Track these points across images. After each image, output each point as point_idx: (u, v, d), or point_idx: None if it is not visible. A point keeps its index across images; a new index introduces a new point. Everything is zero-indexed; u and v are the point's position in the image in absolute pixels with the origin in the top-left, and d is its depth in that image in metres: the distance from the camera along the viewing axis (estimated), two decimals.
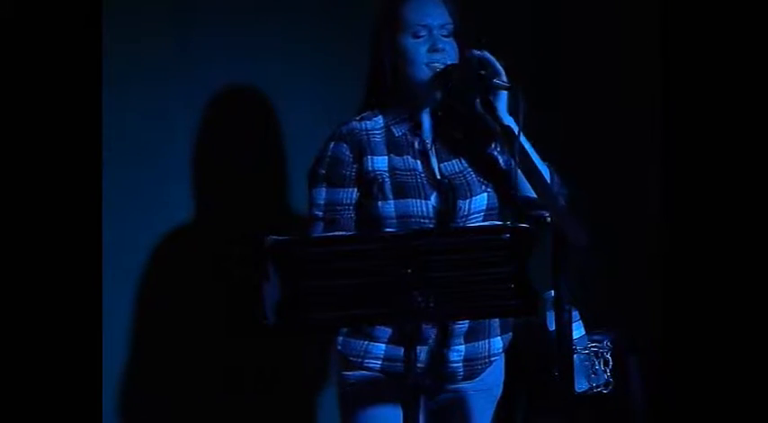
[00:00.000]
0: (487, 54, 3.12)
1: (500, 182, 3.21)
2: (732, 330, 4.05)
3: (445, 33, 3.19)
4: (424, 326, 3.15)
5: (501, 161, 3.24)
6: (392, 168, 3.19)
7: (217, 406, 3.86)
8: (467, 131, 3.26)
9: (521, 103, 3.01)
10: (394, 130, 3.23)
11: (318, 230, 3.18)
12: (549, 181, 3.14)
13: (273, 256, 2.71)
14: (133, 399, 3.78)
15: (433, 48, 3.17)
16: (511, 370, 3.40)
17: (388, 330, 3.17)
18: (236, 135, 3.91)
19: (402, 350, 3.10)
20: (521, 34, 4.28)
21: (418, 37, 3.19)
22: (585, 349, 3.39)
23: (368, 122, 3.23)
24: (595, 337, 3.43)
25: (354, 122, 3.23)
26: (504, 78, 3.10)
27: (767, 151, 4.01)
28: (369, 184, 3.18)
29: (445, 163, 3.23)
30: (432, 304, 2.72)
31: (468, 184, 3.20)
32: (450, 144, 3.25)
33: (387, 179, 3.17)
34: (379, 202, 3.16)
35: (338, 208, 3.19)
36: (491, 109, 3.12)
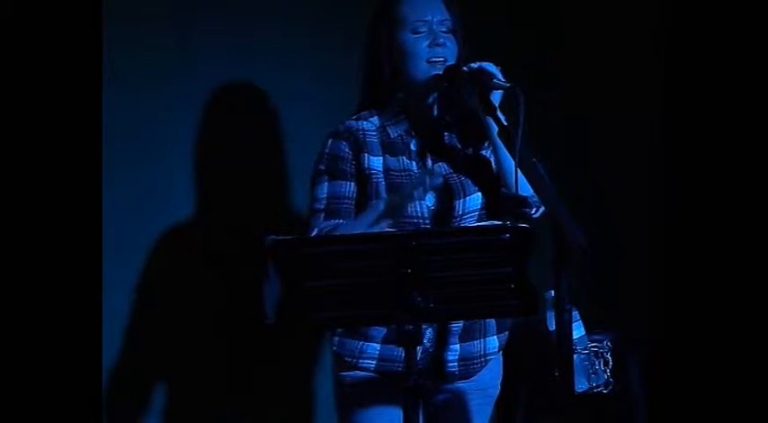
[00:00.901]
0: (484, 65, 3.11)
1: (491, 182, 3.21)
2: (732, 330, 4.05)
3: (444, 29, 3.19)
4: (421, 327, 3.15)
5: (492, 162, 3.24)
6: (387, 169, 3.19)
7: (216, 405, 3.86)
8: (462, 132, 3.26)
9: (521, 102, 3.00)
10: (390, 131, 3.22)
11: (319, 221, 3.17)
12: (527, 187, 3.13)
13: (273, 256, 2.71)
14: (133, 398, 3.78)
15: (434, 42, 3.17)
16: (511, 370, 3.40)
17: (383, 330, 3.17)
18: (236, 135, 3.91)
19: (397, 350, 3.13)
20: (521, 34, 4.28)
21: (418, 33, 3.18)
22: (585, 349, 3.38)
23: (364, 122, 3.22)
24: (595, 337, 3.43)
25: (351, 121, 3.23)
26: (501, 78, 3.10)
27: (767, 152, 4.01)
28: (364, 183, 3.19)
29: (440, 163, 3.23)
30: (432, 304, 2.72)
31: (462, 184, 3.21)
32: (444, 144, 3.25)
33: (381, 179, 3.18)
34: (374, 202, 3.17)
35: (339, 200, 3.19)
36: (491, 109, 3.11)
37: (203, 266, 3.84)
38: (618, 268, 4.31)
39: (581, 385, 3.30)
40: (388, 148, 3.21)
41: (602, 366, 3.37)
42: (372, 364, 3.20)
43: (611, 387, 3.36)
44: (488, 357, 3.26)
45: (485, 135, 3.19)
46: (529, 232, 2.73)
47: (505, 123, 3.08)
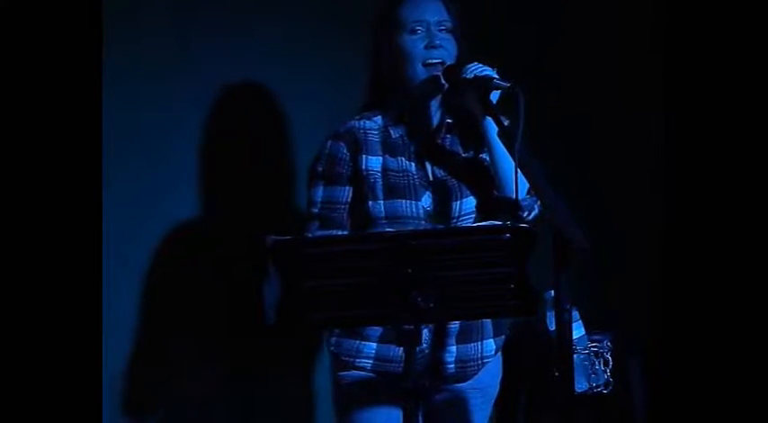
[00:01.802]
0: (480, 69, 3.11)
1: (487, 184, 3.21)
2: (732, 330, 4.04)
3: (442, 29, 3.19)
4: (417, 328, 3.16)
5: (488, 164, 3.24)
6: (385, 169, 3.20)
7: (216, 405, 3.86)
8: (464, 134, 3.26)
9: (520, 102, 3.01)
10: (391, 131, 3.23)
11: (314, 229, 3.20)
12: (524, 193, 3.14)
13: (273, 256, 2.71)
14: (133, 398, 3.78)
15: (430, 44, 3.17)
16: (511, 370, 3.40)
17: (380, 329, 3.18)
18: (236, 134, 3.91)
19: (394, 349, 3.14)
20: (521, 34, 4.29)
21: (415, 33, 3.18)
22: (585, 349, 3.39)
23: (367, 122, 3.23)
24: (595, 337, 3.44)
25: (354, 121, 3.24)
26: (500, 79, 3.10)
27: (767, 152, 4.01)
28: (361, 183, 3.19)
29: (438, 165, 3.23)
30: (432, 304, 2.72)
31: (459, 186, 3.21)
32: (443, 146, 3.25)
33: (379, 179, 3.18)
34: (370, 202, 3.18)
35: (334, 206, 3.20)
36: (491, 109, 3.12)
37: (203, 266, 3.84)
38: (618, 268, 4.31)
39: (581, 385, 3.31)
40: (389, 148, 3.22)
41: (602, 366, 3.37)
42: (369, 363, 3.21)
43: (611, 387, 3.37)
44: (485, 360, 3.26)
45: (482, 139, 3.19)
46: (529, 232, 2.73)
47: (505, 123, 3.08)
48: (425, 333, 3.19)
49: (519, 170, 2.92)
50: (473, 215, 3.21)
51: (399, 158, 3.21)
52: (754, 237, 4.03)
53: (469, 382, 3.26)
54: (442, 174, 3.21)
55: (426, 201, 3.19)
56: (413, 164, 3.21)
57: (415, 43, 3.18)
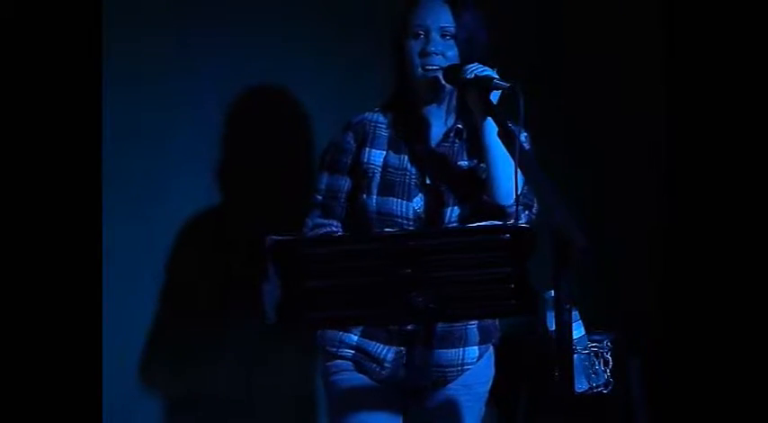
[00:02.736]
0: (480, 70, 3.11)
1: (478, 193, 3.22)
2: (732, 330, 4.05)
3: (446, 35, 3.18)
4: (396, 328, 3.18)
5: (486, 178, 3.24)
6: (386, 165, 3.22)
7: (216, 405, 3.86)
8: (472, 141, 3.26)
9: (521, 102, 3.00)
10: (399, 127, 3.25)
11: (315, 216, 3.25)
12: (520, 191, 3.14)
13: (273, 256, 2.71)
14: (133, 399, 3.78)
15: (424, 50, 3.18)
16: (511, 370, 3.40)
17: None
18: (236, 134, 3.91)
19: (372, 345, 3.19)
20: (521, 34, 4.28)
21: (417, 37, 3.19)
22: (585, 349, 3.38)
23: (380, 115, 3.27)
24: (595, 337, 3.43)
25: (368, 113, 3.28)
26: (500, 79, 3.10)
27: (767, 152, 4.01)
28: (361, 176, 3.21)
29: (435, 169, 3.24)
30: (432, 304, 2.72)
31: (453, 193, 3.21)
32: (446, 152, 3.25)
33: (377, 174, 3.21)
34: (364, 196, 3.20)
35: (335, 194, 3.25)
36: (491, 109, 3.11)
37: (204, 266, 3.84)
38: (618, 268, 4.31)
39: (581, 385, 3.30)
40: (394, 144, 3.24)
41: (602, 366, 3.37)
42: (350, 352, 3.23)
43: (611, 387, 3.36)
44: (465, 366, 3.26)
45: (482, 138, 3.20)
46: (529, 232, 2.73)
47: (509, 126, 3.08)
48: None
49: (519, 170, 2.92)
50: (463, 223, 3.21)
51: (402, 156, 3.22)
52: (755, 237, 4.03)
53: (455, 381, 3.26)
54: (438, 178, 3.22)
55: (418, 203, 3.20)
56: (413, 163, 3.22)
57: (415, 48, 3.19)
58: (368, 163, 3.22)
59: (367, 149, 3.23)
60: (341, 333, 3.25)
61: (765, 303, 4.03)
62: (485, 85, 3.10)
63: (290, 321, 2.77)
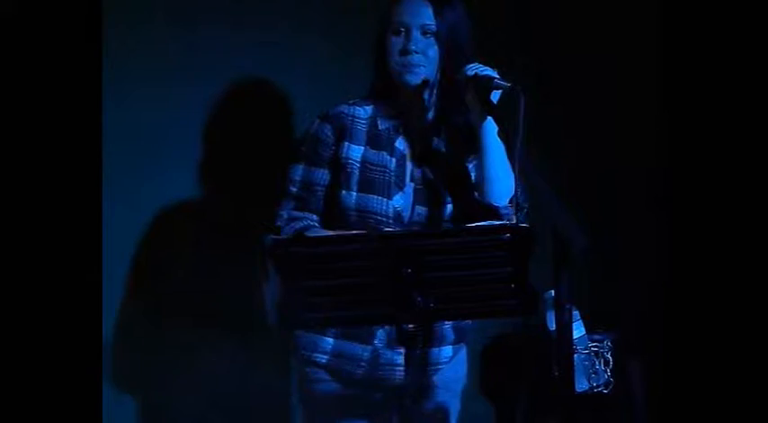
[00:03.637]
0: (481, 69, 3.11)
1: (466, 192, 3.22)
2: (733, 330, 4.05)
3: (426, 34, 3.18)
4: (372, 327, 3.17)
5: (473, 175, 3.24)
6: (365, 160, 3.20)
7: (216, 405, 3.86)
8: (450, 141, 3.26)
9: (521, 102, 3.01)
10: (379, 122, 3.24)
11: (289, 208, 3.22)
12: (513, 193, 3.14)
13: (273, 256, 2.71)
14: (134, 399, 3.78)
15: (404, 48, 3.18)
16: (511, 370, 3.41)
17: None
18: (236, 134, 3.90)
19: (350, 346, 3.19)
20: (522, 33, 4.28)
21: (397, 34, 3.20)
22: (586, 349, 3.38)
23: (358, 109, 3.24)
24: (596, 337, 3.43)
25: (344, 105, 3.26)
26: (500, 79, 3.10)
27: (767, 152, 4.01)
28: (338, 170, 3.19)
29: (418, 167, 3.23)
30: (432, 304, 2.72)
31: (433, 193, 3.21)
32: (427, 150, 3.25)
33: (356, 170, 3.19)
34: (344, 192, 3.19)
35: (312, 187, 3.22)
36: (491, 109, 3.11)
37: (204, 266, 3.83)
38: (618, 268, 4.30)
39: (581, 385, 3.30)
40: (373, 140, 3.22)
41: (602, 366, 3.37)
42: (324, 358, 3.21)
43: (611, 387, 3.36)
44: (439, 366, 3.27)
45: (471, 147, 3.20)
46: (529, 232, 2.73)
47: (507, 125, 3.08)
48: (381, 333, 3.20)
49: (519, 170, 2.92)
50: (448, 222, 3.21)
51: (381, 153, 3.22)
52: (755, 237, 4.03)
53: (432, 380, 3.26)
54: (419, 177, 3.22)
55: (398, 201, 3.19)
56: (393, 160, 3.21)
57: (395, 45, 3.20)
58: (347, 158, 3.20)
59: (346, 144, 3.21)
60: (317, 336, 3.22)
61: (766, 303, 4.03)
62: (485, 84, 3.10)
63: (290, 321, 2.77)
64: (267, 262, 2.71)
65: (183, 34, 3.82)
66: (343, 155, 3.20)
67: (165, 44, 3.79)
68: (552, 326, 2.89)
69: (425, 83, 3.19)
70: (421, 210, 3.20)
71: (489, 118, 3.13)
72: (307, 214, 3.21)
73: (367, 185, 3.18)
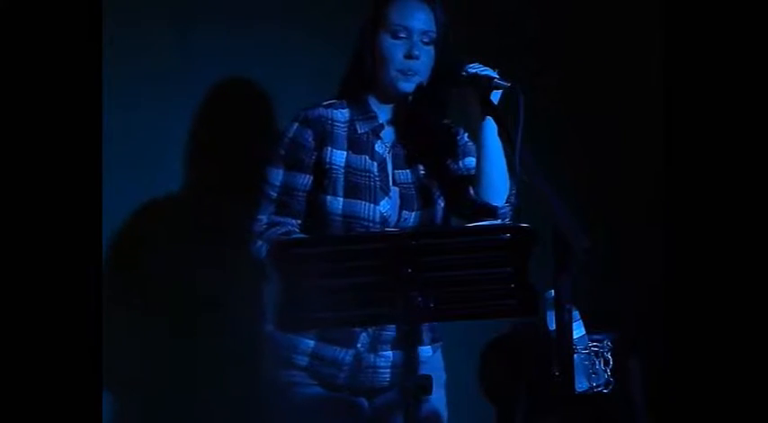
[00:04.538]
0: (481, 69, 3.11)
1: (454, 191, 3.21)
2: (734, 330, 4.04)
3: (426, 40, 3.18)
4: (354, 330, 3.15)
5: (456, 173, 3.23)
6: (348, 165, 3.19)
7: (217, 406, 3.86)
8: (429, 142, 3.25)
9: (520, 102, 3.01)
10: (358, 126, 3.22)
11: (269, 212, 3.18)
12: (509, 189, 3.14)
13: (273, 256, 2.71)
14: (134, 401, 3.78)
15: (409, 53, 3.16)
16: (511, 370, 3.41)
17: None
18: (236, 135, 3.91)
19: (331, 349, 3.16)
20: (521, 33, 4.28)
21: (397, 38, 3.18)
22: (586, 349, 3.39)
23: (335, 112, 3.22)
24: (596, 337, 3.43)
25: (321, 108, 3.22)
26: (500, 78, 3.11)
27: (767, 152, 4.01)
28: (322, 176, 3.17)
29: (400, 170, 3.23)
30: (432, 304, 2.72)
31: (418, 197, 3.20)
32: (408, 152, 3.24)
33: (341, 176, 3.17)
34: (329, 197, 3.16)
35: (294, 192, 3.18)
36: (491, 109, 3.12)
37: (204, 265, 3.84)
38: (618, 268, 4.30)
39: (581, 385, 3.30)
40: (353, 144, 3.21)
41: (602, 366, 3.37)
42: (304, 360, 3.19)
43: (611, 387, 3.36)
44: (422, 361, 3.25)
45: (452, 147, 3.19)
46: (529, 232, 2.73)
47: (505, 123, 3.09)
48: (363, 336, 3.18)
49: (519, 169, 2.93)
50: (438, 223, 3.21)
51: (363, 157, 3.20)
52: (755, 237, 4.03)
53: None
54: (402, 180, 3.21)
55: (384, 206, 3.18)
56: (375, 164, 3.20)
57: (396, 48, 3.17)
58: (330, 163, 3.17)
59: (329, 149, 3.18)
60: (297, 338, 3.18)
61: (766, 303, 4.02)
62: (485, 84, 3.11)
63: (290, 323, 2.77)
64: (267, 263, 2.71)
65: (183, 34, 3.82)
66: (327, 160, 3.17)
67: (165, 44, 3.80)
68: (552, 326, 2.89)
69: (416, 88, 3.18)
70: (407, 214, 3.19)
71: (489, 118, 3.13)
72: (288, 219, 3.17)
73: (352, 191, 3.16)
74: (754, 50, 3.98)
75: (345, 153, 3.19)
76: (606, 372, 3.39)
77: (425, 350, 3.27)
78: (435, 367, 3.33)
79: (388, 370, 3.21)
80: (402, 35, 3.17)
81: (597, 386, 3.36)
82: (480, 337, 4.06)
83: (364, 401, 3.24)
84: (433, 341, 3.32)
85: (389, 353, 3.21)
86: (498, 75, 3.11)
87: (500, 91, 3.12)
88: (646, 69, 4.32)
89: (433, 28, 3.18)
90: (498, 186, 3.14)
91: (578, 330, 3.32)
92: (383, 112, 3.23)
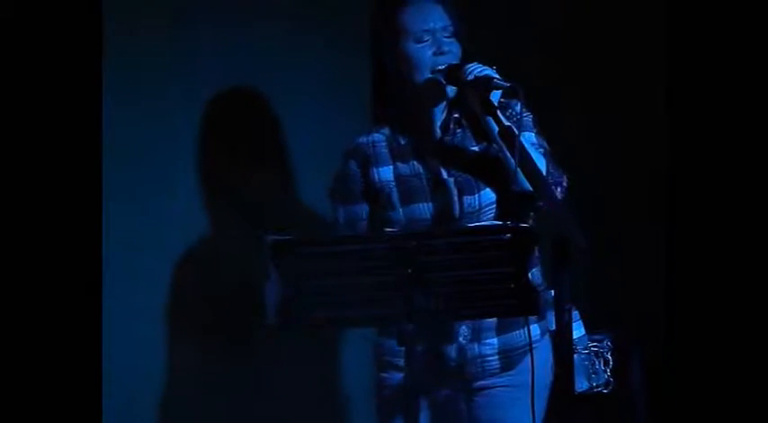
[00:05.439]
0: (480, 69, 3.12)
1: (501, 178, 3.21)
2: (734, 330, 4.05)
3: (447, 35, 3.19)
4: (452, 324, 3.15)
5: (501, 158, 3.23)
6: (398, 176, 3.22)
7: (216, 408, 3.87)
8: (472, 126, 3.26)
9: (521, 101, 3.01)
10: (400, 138, 3.24)
11: None
12: (545, 172, 3.13)
13: (273, 256, 2.71)
14: (135, 401, 3.78)
15: (438, 51, 3.17)
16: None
17: None
18: (236, 135, 3.91)
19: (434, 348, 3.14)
20: (521, 33, 4.29)
21: (422, 42, 3.18)
22: (586, 349, 3.38)
23: (374, 135, 3.27)
24: (596, 337, 3.43)
25: (362, 137, 3.27)
26: (500, 79, 3.11)
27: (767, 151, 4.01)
28: (377, 195, 3.21)
29: (450, 162, 3.23)
30: (432, 304, 2.72)
31: (474, 180, 3.21)
32: (453, 143, 3.25)
33: (393, 189, 3.20)
34: (390, 212, 3.20)
35: (356, 223, 3.24)
36: (491, 109, 3.12)
37: (204, 265, 3.84)
38: (618, 268, 4.30)
39: (581, 385, 3.30)
40: (399, 155, 3.24)
41: (602, 366, 3.37)
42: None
43: (611, 387, 3.36)
44: (534, 344, 3.18)
45: (491, 134, 3.19)
46: (529, 232, 2.73)
47: (506, 123, 3.08)
48: (464, 329, 3.19)
49: (519, 169, 2.93)
50: (493, 207, 3.20)
51: (412, 163, 3.23)
52: (756, 236, 4.03)
53: (503, 378, 3.24)
54: (454, 170, 3.22)
55: (440, 199, 3.20)
56: (422, 165, 3.22)
57: (424, 51, 3.18)
58: (380, 181, 3.21)
59: (374, 170, 3.22)
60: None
61: (766, 302, 4.02)
62: (485, 85, 3.11)
63: (291, 322, 2.77)
64: (268, 262, 2.71)
65: (183, 34, 3.82)
66: (376, 180, 3.22)
67: (165, 44, 3.80)
68: (552, 326, 2.89)
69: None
70: (470, 199, 3.19)
71: (489, 118, 3.13)
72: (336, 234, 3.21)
73: (409, 198, 3.19)
74: (756, 49, 3.99)
75: (392, 167, 3.23)
76: (606, 372, 3.38)
77: (534, 329, 3.20)
78: (542, 359, 3.21)
79: (496, 357, 3.21)
80: (426, 38, 3.18)
81: (597, 386, 3.35)
82: None
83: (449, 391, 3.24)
84: (540, 319, 3.20)
85: (494, 340, 3.21)
86: (498, 74, 3.11)
87: (500, 91, 3.12)
88: (649, 68, 4.32)
89: (450, 22, 3.19)
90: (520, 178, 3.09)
91: (578, 330, 3.32)
92: (422, 114, 3.24)
